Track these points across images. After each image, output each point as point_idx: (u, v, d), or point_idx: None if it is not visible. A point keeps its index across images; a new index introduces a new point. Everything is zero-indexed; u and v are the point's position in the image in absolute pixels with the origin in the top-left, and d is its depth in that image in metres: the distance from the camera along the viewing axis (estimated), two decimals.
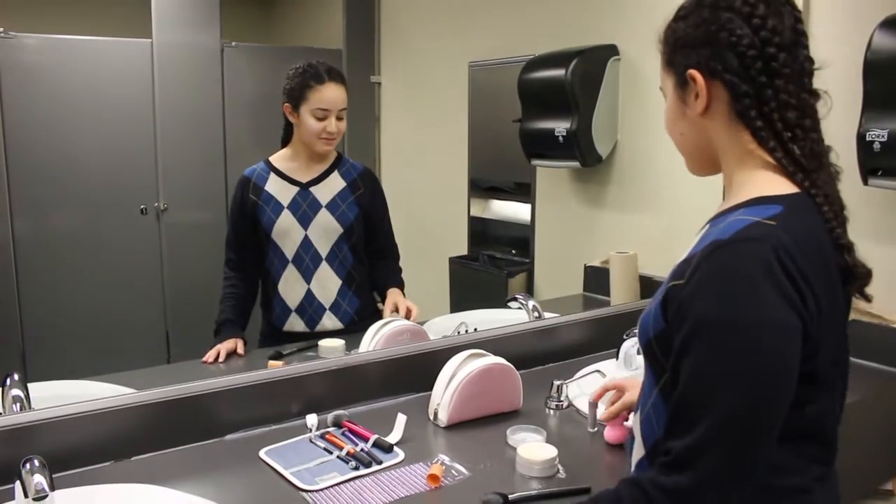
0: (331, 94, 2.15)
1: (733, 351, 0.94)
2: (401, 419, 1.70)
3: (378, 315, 2.35)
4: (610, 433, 1.64)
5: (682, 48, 1.11)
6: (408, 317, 2.16)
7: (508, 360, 1.84)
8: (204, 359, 2.11)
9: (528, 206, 3.12)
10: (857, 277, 1.08)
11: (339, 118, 2.18)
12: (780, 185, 1.06)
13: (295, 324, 2.24)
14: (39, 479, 1.23)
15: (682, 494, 0.95)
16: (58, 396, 1.60)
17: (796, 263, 0.96)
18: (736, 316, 0.95)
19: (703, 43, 1.08)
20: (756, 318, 0.94)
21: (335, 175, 2.26)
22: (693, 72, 1.09)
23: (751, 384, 0.94)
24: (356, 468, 1.53)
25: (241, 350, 2.14)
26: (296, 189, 2.21)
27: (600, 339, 2.28)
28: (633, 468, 1.17)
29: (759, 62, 1.05)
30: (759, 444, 0.95)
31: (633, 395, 1.56)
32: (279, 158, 2.26)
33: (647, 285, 2.54)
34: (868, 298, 1.11)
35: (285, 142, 2.28)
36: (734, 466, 0.94)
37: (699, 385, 0.97)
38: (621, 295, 2.55)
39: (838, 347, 1.08)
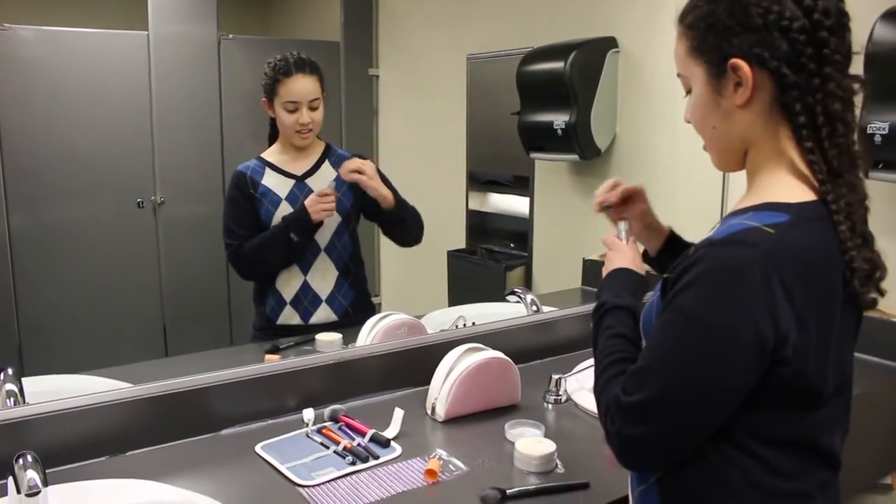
0: (298, 86, 2.13)
1: (680, 338, 0.98)
2: (398, 414, 1.69)
3: (372, 309, 2.34)
4: None
5: (719, 33, 1.01)
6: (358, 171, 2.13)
7: (507, 354, 1.83)
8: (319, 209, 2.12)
9: (526, 200, 3.11)
10: (861, 305, 1.05)
11: (312, 108, 2.15)
12: (798, 192, 1.01)
13: (289, 317, 2.22)
14: (32, 475, 1.21)
15: (621, 435, 1.02)
16: (53, 391, 1.59)
17: (781, 276, 0.93)
18: (693, 309, 0.96)
19: (748, 28, 0.99)
20: (710, 316, 0.95)
21: (326, 165, 2.25)
22: (738, 61, 1.00)
23: (682, 374, 0.97)
24: (353, 463, 1.52)
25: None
26: (292, 182, 2.20)
27: None
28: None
29: (809, 48, 0.97)
30: (685, 426, 0.99)
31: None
32: (271, 153, 2.25)
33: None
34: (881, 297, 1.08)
35: (272, 138, 2.27)
36: (659, 439, 1.00)
37: (648, 358, 1.01)
38: None
39: (838, 364, 1.04)
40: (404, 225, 2.27)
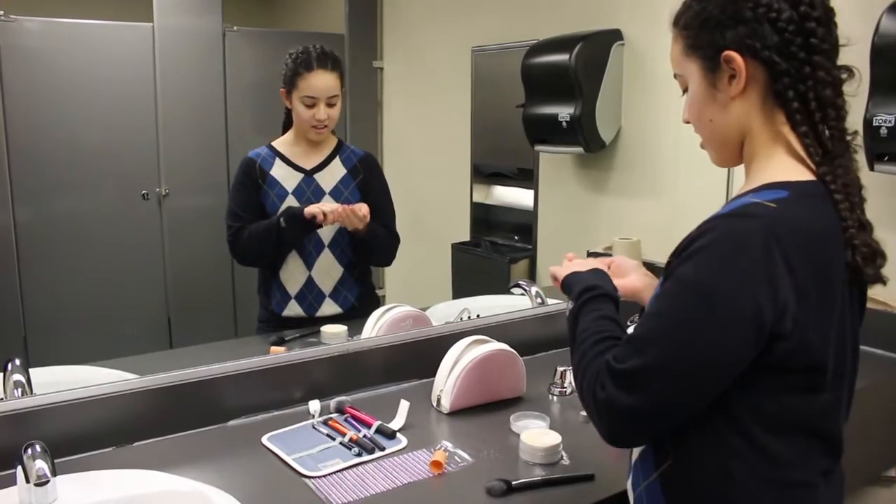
0: (318, 82, 2.12)
1: (679, 306, 0.99)
2: (404, 405, 1.69)
3: (378, 302, 2.34)
4: None
5: (712, 29, 1.06)
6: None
7: (512, 347, 1.83)
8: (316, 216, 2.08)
9: (530, 192, 3.10)
10: (864, 282, 1.06)
11: (329, 105, 2.14)
12: (795, 173, 1.04)
13: (294, 310, 2.23)
14: (41, 465, 1.22)
15: (611, 402, 1.00)
16: (59, 382, 1.59)
17: (782, 248, 0.95)
18: (693, 277, 0.98)
19: (738, 21, 1.03)
20: (710, 284, 0.96)
21: (336, 162, 2.24)
22: (730, 53, 1.04)
23: (680, 341, 0.97)
24: (359, 454, 1.53)
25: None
26: (300, 176, 2.20)
27: None
28: (632, 460, 1.16)
29: (798, 38, 1.02)
30: (678, 397, 0.99)
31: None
32: (282, 143, 2.25)
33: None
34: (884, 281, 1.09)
35: (286, 126, 2.26)
36: (650, 409, 0.99)
37: (644, 326, 1.01)
38: None
39: (841, 342, 1.04)
40: (365, 248, 2.25)
